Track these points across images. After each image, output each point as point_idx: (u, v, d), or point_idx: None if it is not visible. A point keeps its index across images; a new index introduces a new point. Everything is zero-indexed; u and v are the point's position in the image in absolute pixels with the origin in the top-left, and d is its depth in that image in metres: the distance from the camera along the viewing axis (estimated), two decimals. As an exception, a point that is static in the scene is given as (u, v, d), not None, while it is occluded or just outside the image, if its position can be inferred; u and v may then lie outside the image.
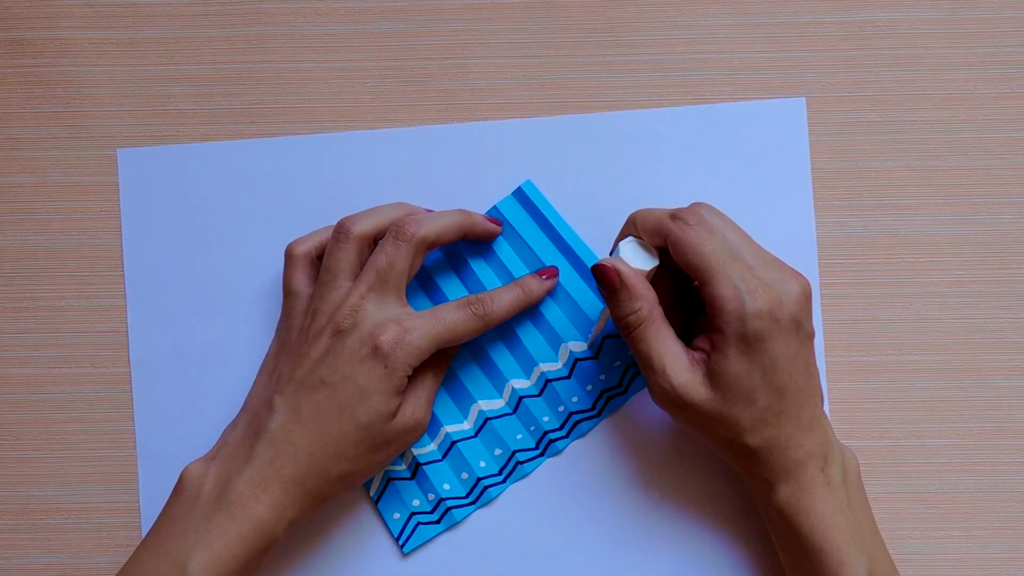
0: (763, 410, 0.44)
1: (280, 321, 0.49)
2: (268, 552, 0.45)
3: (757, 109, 0.52)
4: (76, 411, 0.52)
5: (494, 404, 0.51)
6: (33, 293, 0.53)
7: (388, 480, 0.51)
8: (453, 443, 0.51)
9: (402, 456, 0.51)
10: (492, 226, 0.51)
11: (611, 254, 0.47)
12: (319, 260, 0.50)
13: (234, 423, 0.48)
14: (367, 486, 0.51)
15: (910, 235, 0.52)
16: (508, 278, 0.52)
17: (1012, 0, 0.52)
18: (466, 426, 0.51)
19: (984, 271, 0.52)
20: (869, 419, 0.51)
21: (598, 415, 0.51)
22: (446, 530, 0.51)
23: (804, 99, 0.52)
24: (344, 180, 0.53)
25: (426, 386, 0.48)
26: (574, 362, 0.51)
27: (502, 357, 0.51)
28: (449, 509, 0.51)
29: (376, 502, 0.51)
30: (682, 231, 0.44)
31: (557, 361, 0.51)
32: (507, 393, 0.51)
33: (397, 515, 0.51)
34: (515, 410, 0.51)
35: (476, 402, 0.51)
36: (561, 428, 0.51)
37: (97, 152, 0.53)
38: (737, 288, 0.43)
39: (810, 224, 0.52)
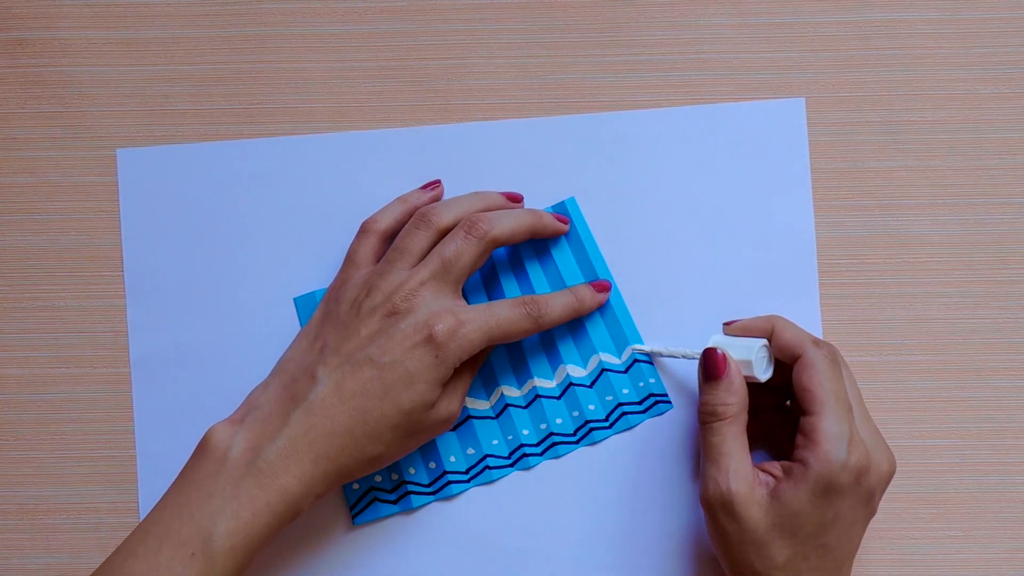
0: (801, 557, 0.43)
1: (331, 287, 0.49)
2: (290, 525, 0.44)
3: (757, 109, 0.52)
4: (75, 411, 0.52)
5: (479, 404, 0.51)
6: (32, 293, 0.53)
7: None
8: None
9: None
10: (560, 225, 0.50)
11: (721, 335, 0.49)
12: (390, 241, 0.49)
13: (265, 385, 0.46)
14: None
15: (909, 235, 0.52)
16: (527, 287, 0.52)
17: (1012, 0, 0.52)
18: None
19: (984, 271, 0.52)
20: (869, 419, 0.51)
21: (576, 442, 0.51)
22: (400, 512, 0.51)
23: (804, 99, 0.52)
24: (343, 180, 0.53)
25: (463, 380, 0.48)
26: (568, 385, 0.51)
27: (499, 360, 0.51)
28: (409, 493, 0.51)
29: None
30: (820, 358, 0.45)
31: (552, 379, 0.51)
32: (495, 397, 0.51)
33: (356, 485, 0.51)
34: (498, 415, 0.51)
35: None
36: (538, 445, 0.51)
37: (96, 152, 0.53)
38: (842, 433, 0.43)
39: (810, 224, 0.52)
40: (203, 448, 0.44)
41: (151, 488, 0.52)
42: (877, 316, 0.52)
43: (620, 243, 0.52)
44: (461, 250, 0.46)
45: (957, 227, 0.52)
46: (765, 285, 0.51)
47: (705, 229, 0.52)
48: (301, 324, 0.52)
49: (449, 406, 0.47)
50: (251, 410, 0.45)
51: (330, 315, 0.47)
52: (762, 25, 0.53)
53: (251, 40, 0.53)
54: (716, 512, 0.44)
